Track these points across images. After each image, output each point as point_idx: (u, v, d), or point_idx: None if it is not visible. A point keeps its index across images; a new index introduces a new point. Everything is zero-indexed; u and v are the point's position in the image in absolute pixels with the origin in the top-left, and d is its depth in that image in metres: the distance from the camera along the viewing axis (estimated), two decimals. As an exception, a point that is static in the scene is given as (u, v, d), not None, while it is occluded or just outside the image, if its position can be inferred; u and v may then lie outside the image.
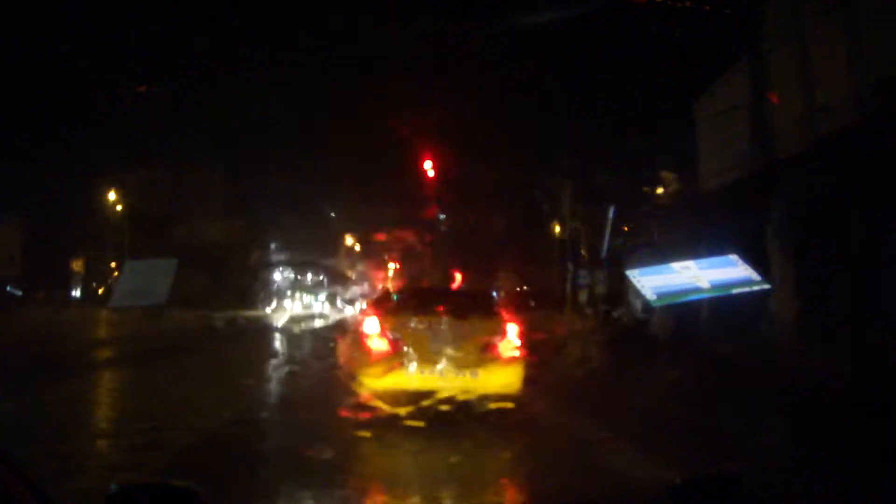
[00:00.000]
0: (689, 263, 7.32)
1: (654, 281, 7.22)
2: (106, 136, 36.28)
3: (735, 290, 7.57)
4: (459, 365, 8.57)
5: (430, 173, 22.79)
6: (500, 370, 8.78)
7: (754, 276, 7.64)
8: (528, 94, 26.90)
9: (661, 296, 7.16)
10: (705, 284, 7.00)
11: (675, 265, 7.33)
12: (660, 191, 23.97)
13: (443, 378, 8.53)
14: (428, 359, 8.62)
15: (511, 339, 9.08)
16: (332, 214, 44.38)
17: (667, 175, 24.12)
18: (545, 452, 7.62)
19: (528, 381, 9.09)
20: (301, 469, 6.50)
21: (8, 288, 37.38)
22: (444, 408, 8.16)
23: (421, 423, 7.91)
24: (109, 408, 10.76)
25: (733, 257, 7.57)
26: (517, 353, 9.05)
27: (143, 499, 2.15)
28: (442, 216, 34.52)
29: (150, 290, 6.84)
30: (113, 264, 43.35)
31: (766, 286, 9.24)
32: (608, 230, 22.60)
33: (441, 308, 9.59)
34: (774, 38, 17.35)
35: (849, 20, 14.55)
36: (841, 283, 13.80)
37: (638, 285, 7.42)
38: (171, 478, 2.22)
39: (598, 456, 7.55)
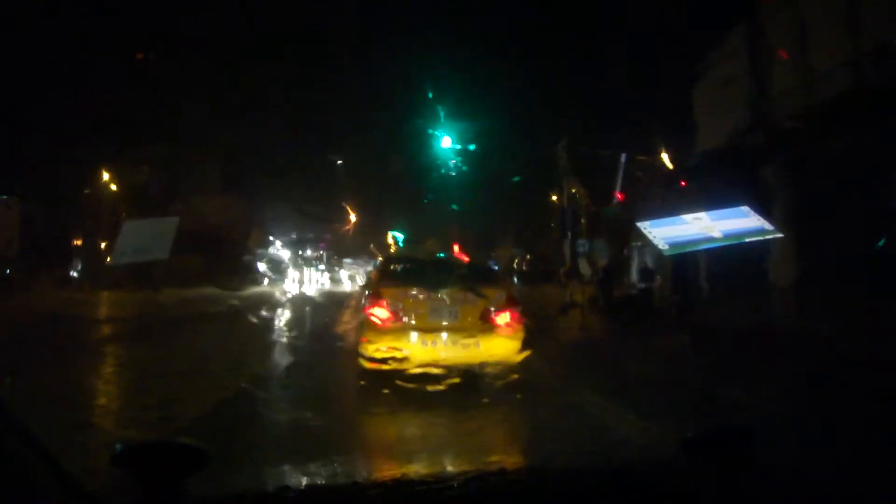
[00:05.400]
0: (701, 214, 7.33)
1: (665, 231, 7.22)
2: (101, 114, 36.10)
3: (748, 239, 7.56)
4: (460, 333, 8.85)
5: (446, 143, 22.58)
6: (500, 338, 9.03)
7: (767, 225, 7.65)
8: (528, 59, 26.83)
9: (673, 245, 7.16)
10: (717, 234, 7.00)
11: (687, 216, 7.35)
12: (660, 155, 23.86)
13: (443, 347, 8.80)
14: (429, 328, 8.91)
15: (510, 309, 9.30)
16: (339, 162, 43.68)
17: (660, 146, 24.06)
18: (546, 418, 7.69)
19: (528, 348, 9.25)
20: (305, 436, 6.57)
21: (7, 270, 37.24)
22: (446, 375, 8.41)
23: (423, 391, 8.17)
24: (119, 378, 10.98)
25: (745, 208, 7.57)
26: (516, 322, 9.25)
27: (149, 457, 2.13)
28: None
29: (150, 247, 6.78)
30: (109, 244, 43.25)
31: (780, 235, 9.22)
32: (620, 176, 22.53)
33: (441, 278, 9.84)
34: (772, 5, 17.24)
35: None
36: (839, 250, 13.77)
37: (650, 236, 7.42)
38: (176, 435, 2.21)
39: (599, 421, 7.61)
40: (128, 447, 2.14)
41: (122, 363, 12.49)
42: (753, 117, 17.93)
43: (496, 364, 8.85)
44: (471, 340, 8.85)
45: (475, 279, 10.17)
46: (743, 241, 7.46)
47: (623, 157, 22.65)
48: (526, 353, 9.14)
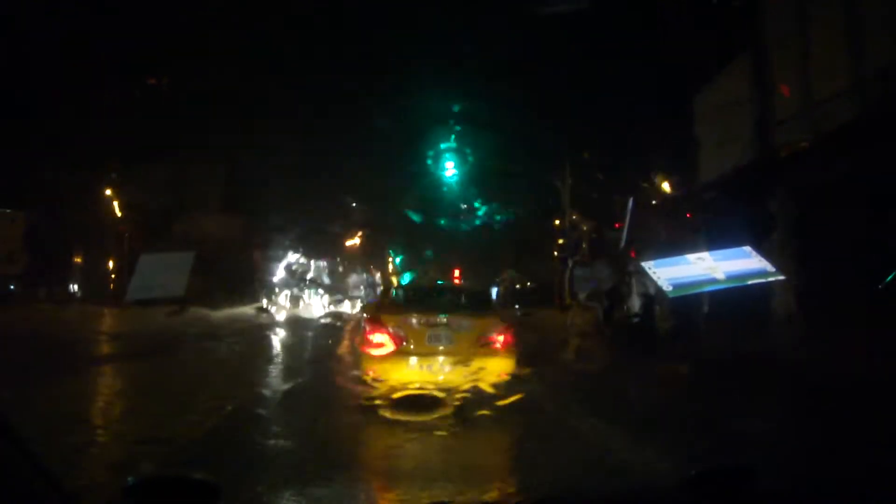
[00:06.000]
0: (704, 255, 7.40)
1: (670, 272, 7.28)
2: (105, 130, 36.19)
3: (751, 281, 7.64)
4: (456, 357, 9.18)
5: (449, 171, 22.71)
6: (494, 361, 9.35)
7: (769, 267, 7.72)
8: (530, 86, 26.93)
9: (677, 287, 7.22)
10: (721, 276, 7.06)
11: (691, 257, 7.42)
12: (662, 185, 23.95)
13: (440, 370, 9.19)
14: (427, 352, 9.29)
15: (504, 333, 9.68)
16: (354, 205, 43.93)
17: (662, 176, 24.15)
18: (546, 445, 7.66)
19: (522, 373, 9.61)
20: (306, 459, 6.69)
21: (11, 287, 37.26)
22: (443, 398, 8.65)
23: (421, 413, 8.41)
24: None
25: (747, 249, 7.65)
26: (510, 346, 9.64)
27: (161, 491, 2.15)
28: (464, 206, 34.18)
29: (166, 284, 6.84)
30: (111, 261, 43.22)
31: (781, 277, 9.32)
32: (627, 220, 22.67)
33: (440, 305, 10.44)
34: (776, 31, 17.35)
35: (850, 10, 14.54)
36: (843, 276, 13.78)
37: (654, 276, 7.48)
38: (189, 470, 2.22)
39: (599, 449, 7.58)
40: (140, 480, 2.17)
41: (122, 384, 12.52)
42: (756, 145, 18.00)
43: (490, 386, 9.00)
44: (466, 364, 9.12)
45: (472, 305, 10.82)
46: (745, 283, 7.53)
47: (631, 203, 22.75)
48: (519, 377, 9.43)
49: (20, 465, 1.92)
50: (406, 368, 9.20)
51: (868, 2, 14.13)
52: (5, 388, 8.27)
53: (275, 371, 14.57)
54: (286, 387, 12.31)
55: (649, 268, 7.81)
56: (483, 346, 9.46)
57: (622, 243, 23.44)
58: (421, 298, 11.10)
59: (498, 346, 9.56)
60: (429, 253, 40.07)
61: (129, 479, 2.15)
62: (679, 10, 19.56)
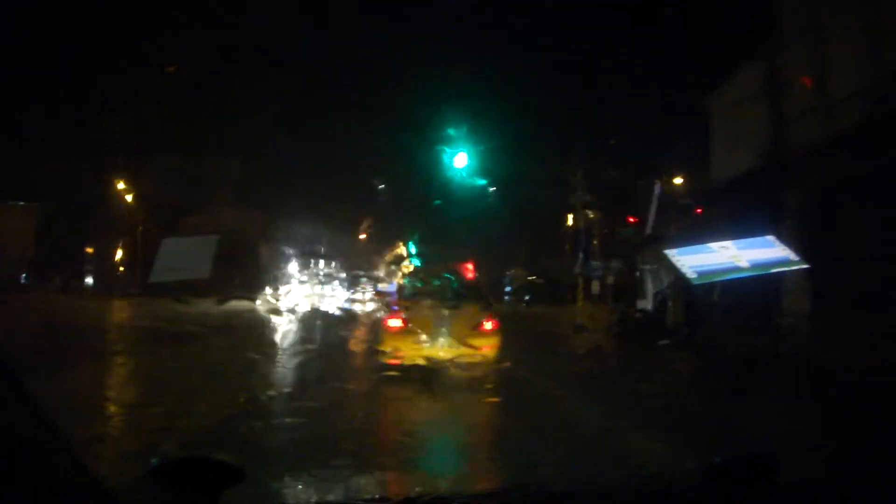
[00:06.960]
0: (728, 243, 7.41)
1: (693, 260, 7.30)
2: (121, 123, 36.35)
3: (774, 269, 7.66)
4: (454, 337, 11.03)
5: (461, 162, 22.70)
6: (485, 341, 11.25)
7: (792, 256, 7.71)
8: (545, 84, 26.92)
9: (701, 274, 7.24)
10: (744, 264, 7.07)
11: (714, 245, 7.44)
12: (675, 182, 23.87)
13: (441, 347, 11.00)
14: (432, 335, 11.11)
15: (492, 318, 11.74)
16: (381, 186, 43.77)
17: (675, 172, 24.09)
18: (557, 438, 7.62)
19: (506, 349, 11.43)
20: (319, 431, 7.14)
21: (23, 277, 37.49)
22: (444, 371, 10.28)
23: (424, 382, 9.72)
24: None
25: (771, 238, 7.65)
26: (496, 329, 11.62)
27: (185, 472, 2.15)
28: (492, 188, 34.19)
29: (190, 266, 6.87)
30: (119, 252, 43.36)
31: (805, 265, 9.34)
32: (654, 207, 22.70)
33: (441, 294, 12.64)
34: (791, 31, 17.27)
35: (866, 11, 14.47)
36: (856, 276, 13.71)
37: (677, 264, 7.47)
38: (213, 450, 2.21)
39: (608, 442, 7.54)
40: (164, 462, 2.16)
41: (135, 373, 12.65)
42: (771, 144, 17.93)
43: (481, 361, 10.90)
44: (462, 344, 10.91)
45: (469, 296, 12.91)
46: (769, 271, 7.52)
47: (657, 188, 22.77)
48: (506, 355, 11.28)
49: (53, 450, 1.93)
50: (414, 345, 10.98)
51: (883, 2, 14.07)
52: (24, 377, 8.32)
53: (304, 351, 15.72)
54: (315, 364, 13.59)
55: (672, 255, 7.82)
56: (474, 328, 11.34)
57: (647, 229, 23.45)
58: (428, 290, 13.21)
59: (485, 327, 11.46)
60: (439, 245, 40.00)
61: (153, 460, 2.15)
62: (695, 8, 19.49)
